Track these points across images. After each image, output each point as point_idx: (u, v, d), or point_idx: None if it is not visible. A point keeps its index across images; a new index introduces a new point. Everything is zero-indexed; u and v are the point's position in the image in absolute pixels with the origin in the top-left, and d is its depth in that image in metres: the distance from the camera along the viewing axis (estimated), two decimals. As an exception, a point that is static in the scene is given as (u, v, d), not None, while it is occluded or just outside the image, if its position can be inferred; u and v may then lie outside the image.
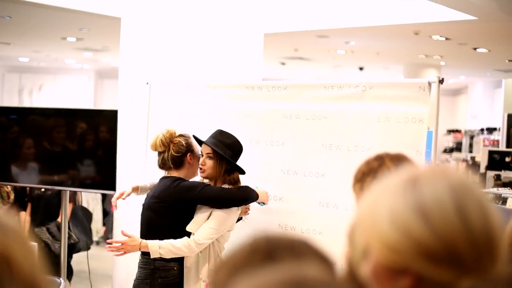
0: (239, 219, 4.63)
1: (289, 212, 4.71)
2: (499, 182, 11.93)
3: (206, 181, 4.49)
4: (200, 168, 4.42)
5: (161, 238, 4.30)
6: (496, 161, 12.70)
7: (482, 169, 12.74)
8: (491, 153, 12.98)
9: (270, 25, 7.98)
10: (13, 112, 6.39)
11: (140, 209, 4.59)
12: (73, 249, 6.56)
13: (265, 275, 1.08)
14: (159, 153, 4.54)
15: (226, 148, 4.38)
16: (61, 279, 5.06)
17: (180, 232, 4.32)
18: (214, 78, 5.91)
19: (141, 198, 4.68)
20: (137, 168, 5.64)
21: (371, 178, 2.55)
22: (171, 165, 4.48)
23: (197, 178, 4.61)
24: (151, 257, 4.24)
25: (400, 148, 4.12)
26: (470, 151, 18.35)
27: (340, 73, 18.68)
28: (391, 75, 18.13)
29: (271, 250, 1.23)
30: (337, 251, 4.43)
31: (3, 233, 0.93)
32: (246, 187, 4.44)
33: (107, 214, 10.59)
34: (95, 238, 10.32)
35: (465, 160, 17.35)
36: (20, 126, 6.16)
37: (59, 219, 6.73)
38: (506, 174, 12.31)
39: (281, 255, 1.22)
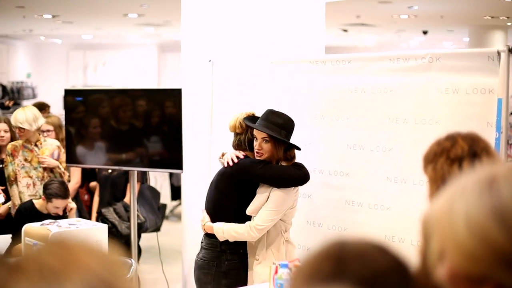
0: None
1: (355, 187, 4.66)
2: None
3: None
4: (257, 153, 4.34)
5: (224, 218, 4.33)
6: None
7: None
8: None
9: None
10: (78, 94, 6.47)
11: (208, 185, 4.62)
12: (140, 228, 6.63)
13: None
14: (236, 134, 4.51)
15: (280, 128, 4.31)
16: (132, 260, 5.13)
17: (242, 213, 4.32)
18: (277, 51, 5.86)
19: (212, 173, 4.70)
20: (203, 146, 5.65)
21: (444, 159, 2.49)
22: (247, 147, 4.47)
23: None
24: (217, 235, 4.28)
25: (470, 120, 4.05)
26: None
27: (403, 38, 18.40)
28: (456, 38, 17.78)
29: (341, 259, 1.20)
30: (405, 226, 4.40)
31: (101, 262, 0.95)
32: (302, 166, 4.40)
33: (175, 190, 10.70)
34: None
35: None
36: (86, 106, 6.24)
37: (125, 199, 6.80)
38: None
39: (352, 265, 1.19)
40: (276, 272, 3.47)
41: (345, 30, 16.13)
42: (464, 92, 4.15)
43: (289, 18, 6.18)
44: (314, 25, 6.34)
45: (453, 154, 2.48)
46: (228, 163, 4.34)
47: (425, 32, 16.38)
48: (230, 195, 4.38)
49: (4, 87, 17.91)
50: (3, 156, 6.39)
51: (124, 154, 6.02)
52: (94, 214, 6.92)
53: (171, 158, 5.78)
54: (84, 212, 6.85)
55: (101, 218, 6.62)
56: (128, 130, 6.00)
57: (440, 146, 2.53)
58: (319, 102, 4.85)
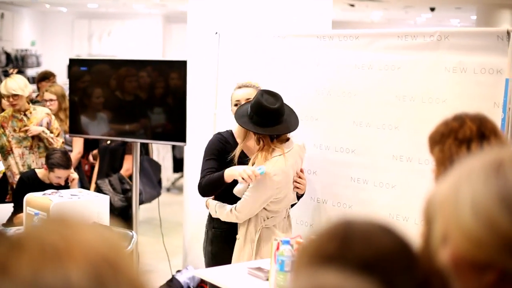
0: None
1: (361, 165, 4.64)
2: None
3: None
4: None
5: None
6: None
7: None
8: None
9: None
10: (83, 64, 6.43)
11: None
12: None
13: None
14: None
15: (249, 108, 4.22)
16: (133, 232, 5.13)
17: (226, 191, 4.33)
18: (283, 25, 5.82)
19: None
20: (207, 119, 5.62)
21: (452, 140, 2.45)
22: None
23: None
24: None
25: (476, 100, 4.01)
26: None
27: (410, 15, 18.28)
28: (463, 16, 17.66)
29: (346, 240, 1.19)
30: (410, 205, 4.39)
31: (103, 239, 0.93)
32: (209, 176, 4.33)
33: (177, 162, 10.68)
34: (166, 185, 10.46)
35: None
36: (90, 76, 6.20)
37: (121, 171, 6.77)
38: None
39: (356, 246, 1.17)
40: (278, 248, 3.46)
41: (352, 5, 16.01)
42: (472, 72, 4.10)
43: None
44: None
45: (461, 135, 2.45)
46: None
47: (432, 9, 16.26)
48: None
49: (8, 55, 17.84)
50: None
51: (127, 125, 6.00)
52: (93, 185, 6.91)
53: (175, 130, 5.75)
54: (85, 183, 6.84)
55: (97, 189, 6.60)
56: (132, 101, 5.97)
57: (448, 126, 2.50)
58: (326, 77, 4.81)
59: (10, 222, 5.45)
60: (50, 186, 5.42)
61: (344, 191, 4.72)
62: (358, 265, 1.15)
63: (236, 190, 4.22)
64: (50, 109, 6.80)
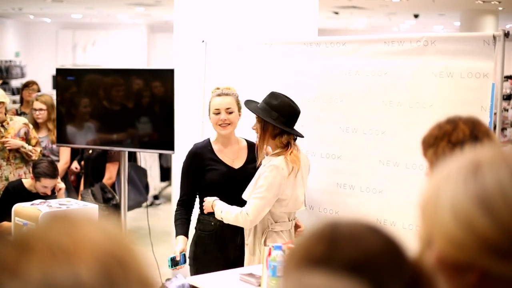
0: None
1: (348, 170, 4.65)
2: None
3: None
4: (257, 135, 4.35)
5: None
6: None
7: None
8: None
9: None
10: (70, 74, 6.41)
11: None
12: (118, 209, 6.58)
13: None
14: None
15: (272, 110, 4.23)
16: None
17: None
18: (269, 33, 5.83)
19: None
20: (195, 127, 5.63)
21: (445, 143, 2.47)
22: None
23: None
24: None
25: (464, 104, 4.04)
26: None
27: (394, 21, 18.36)
28: (447, 23, 17.77)
29: (334, 241, 1.19)
30: (397, 209, 4.40)
31: (111, 237, 0.94)
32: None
33: (164, 171, 10.67)
34: (152, 193, 10.43)
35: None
36: (77, 85, 6.19)
37: (104, 180, 6.73)
38: None
39: (343, 247, 1.18)
40: (270, 254, 3.46)
41: (336, 13, 16.08)
42: (458, 76, 4.13)
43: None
44: (307, 7, 6.31)
45: (455, 138, 2.47)
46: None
47: (416, 16, 16.36)
48: None
49: (-8, 66, 17.79)
50: None
51: (115, 134, 5.99)
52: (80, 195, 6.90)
53: (162, 139, 5.75)
54: (72, 193, 6.81)
55: (82, 199, 6.59)
56: (119, 110, 5.96)
57: (441, 129, 2.51)
58: (313, 84, 4.82)
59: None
60: (37, 195, 5.40)
61: (331, 196, 4.73)
62: (346, 267, 1.15)
63: (246, 195, 4.22)
64: (38, 118, 6.78)
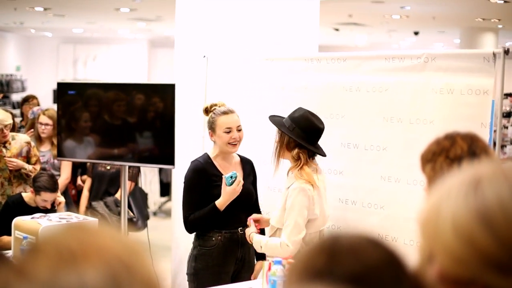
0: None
1: (349, 186, 4.66)
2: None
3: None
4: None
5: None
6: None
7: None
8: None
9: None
10: (71, 88, 6.43)
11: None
12: (133, 225, 6.61)
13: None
14: None
15: (292, 122, 4.15)
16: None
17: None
18: (270, 48, 5.85)
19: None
20: (195, 142, 5.64)
21: (443, 158, 2.48)
22: None
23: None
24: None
25: (464, 120, 4.05)
26: (529, 115, 17.93)
27: (394, 38, 18.42)
28: (447, 40, 17.82)
29: (334, 254, 1.19)
30: (399, 225, 4.39)
31: (119, 242, 0.96)
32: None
33: (164, 186, 10.67)
34: (152, 209, 10.43)
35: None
36: (78, 100, 6.19)
37: (117, 196, 6.75)
38: None
39: (344, 260, 1.18)
40: (270, 268, 3.46)
41: (337, 29, 16.13)
42: (459, 93, 4.15)
43: (283, 15, 6.17)
44: (308, 23, 6.34)
45: (453, 154, 2.47)
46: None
47: (416, 33, 16.42)
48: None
49: (-7, 80, 17.82)
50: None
51: (115, 149, 5.99)
52: (82, 208, 6.87)
53: (163, 153, 5.75)
54: (72, 207, 6.80)
55: (91, 210, 6.58)
56: (120, 125, 5.96)
57: (440, 145, 2.52)
58: (314, 100, 4.84)
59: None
60: (36, 209, 5.39)
61: (333, 212, 4.72)
62: (346, 279, 1.15)
63: (275, 221, 4.14)
64: (43, 132, 6.78)
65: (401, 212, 4.34)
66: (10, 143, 6.12)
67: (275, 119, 4.31)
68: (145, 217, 7.26)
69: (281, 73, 5.04)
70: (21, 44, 20.94)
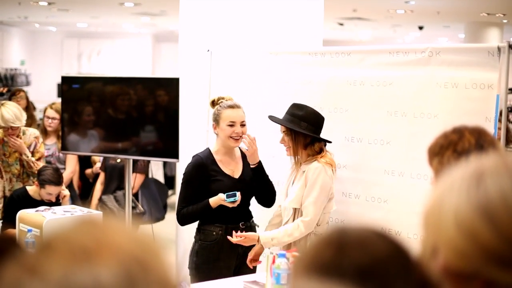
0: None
1: (353, 180, 4.66)
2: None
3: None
4: (286, 148, 4.37)
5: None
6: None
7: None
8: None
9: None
10: (75, 82, 6.43)
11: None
12: (141, 217, 6.60)
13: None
14: None
15: (300, 120, 4.27)
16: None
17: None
18: (275, 43, 5.85)
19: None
20: (199, 135, 5.64)
21: (451, 152, 2.48)
22: None
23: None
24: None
25: (468, 115, 4.05)
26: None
27: (399, 33, 18.40)
28: (452, 34, 17.79)
29: (342, 246, 1.19)
30: (402, 219, 4.39)
31: (135, 240, 0.94)
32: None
33: (168, 179, 10.66)
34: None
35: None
36: (83, 93, 6.20)
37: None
38: None
39: (351, 252, 1.18)
40: (274, 261, 3.47)
41: (341, 24, 16.10)
42: (463, 87, 4.15)
43: (287, 9, 6.17)
44: (312, 18, 6.33)
45: (460, 147, 2.47)
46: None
47: (420, 28, 16.38)
48: None
49: (-3, 74, 17.84)
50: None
51: (119, 143, 6.00)
52: (95, 201, 6.88)
53: (167, 147, 5.76)
54: (77, 200, 6.81)
55: (101, 204, 6.59)
56: (124, 118, 5.97)
57: (447, 139, 2.52)
58: (318, 94, 4.84)
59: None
60: (41, 203, 5.41)
61: (337, 205, 4.73)
62: (354, 272, 1.15)
63: (294, 203, 4.24)
64: (50, 126, 6.78)
65: (405, 206, 4.34)
66: (21, 138, 6.11)
67: (282, 121, 4.37)
68: (162, 209, 7.23)
69: (285, 67, 5.04)
70: (26, 39, 20.95)
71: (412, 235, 4.20)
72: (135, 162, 6.49)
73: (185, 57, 6.35)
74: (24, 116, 6.03)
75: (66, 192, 5.65)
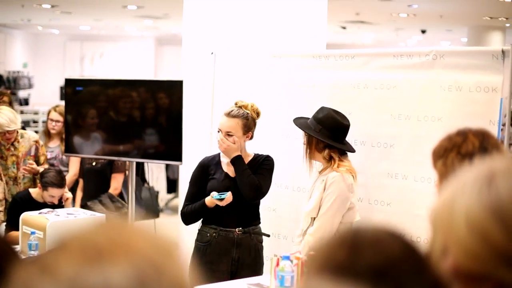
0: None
1: (357, 183, 4.65)
2: None
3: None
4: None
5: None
6: None
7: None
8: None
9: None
10: (79, 84, 6.42)
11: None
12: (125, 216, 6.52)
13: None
14: None
15: (317, 123, 4.20)
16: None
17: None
18: (278, 45, 5.85)
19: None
20: (203, 138, 5.64)
21: (455, 154, 2.48)
22: None
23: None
24: None
25: (472, 118, 4.04)
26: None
27: (401, 37, 18.40)
28: (454, 38, 17.79)
29: (355, 246, 1.19)
30: (405, 222, 4.39)
31: (152, 243, 0.93)
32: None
33: (170, 182, 10.66)
34: (159, 206, 10.41)
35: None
36: (86, 96, 6.19)
37: (110, 191, 6.64)
38: None
39: (365, 252, 1.18)
40: (278, 264, 3.46)
41: (344, 27, 16.12)
42: (467, 90, 4.14)
43: (291, 13, 6.18)
44: (315, 21, 6.34)
45: (464, 150, 2.48)
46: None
47: (423, 31, 16.39)
48: None
49: (0, 76, 17.86)
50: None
51: (121, 145, 5.98)
52: (77, 206, 6.81)
53: (170, 150, 5.75)
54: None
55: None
56: (127, 121, 5.96)
57: (451, 141, 2.52)
58: (321, 97, 4.83)
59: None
60: (44, 205, 5.40)
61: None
62: (368, 272, 1.15)
63: (310, 211, 4.15)
64: (54, 129, 6.77)
65: (409, 209, 4.34)
66: (18, 141, 6.09)
67: (300, 122, 4.34)
68: (141, 203, 7.14)
69: (289, 70, 5.04)
70: (28, 41, 20.98)
71: (415, 238, 4.18)
72: (112, 162, 6.44)
73: (189, 59, 6.35)
74: (19, 118, 6.01)
75: (69, 195, 5.65)
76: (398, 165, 4.45)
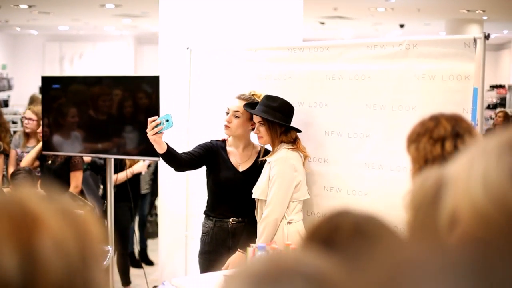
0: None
1: (333, 174, 4.68)
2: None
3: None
4: (258, 136, 4.52)
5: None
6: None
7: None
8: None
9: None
10: (56, 82, 6.40)
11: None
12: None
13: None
14: None
15: (275, 111, 4.43)
16: (109, 247, 5.11)
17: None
18: (254, 41, 5.86)
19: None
20: (180, 133, 5.64)
21: (427, 139, 2.51)
22: None
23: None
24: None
25: (446, 106, 4.07)
26: (515, 107, 17.99)
27: (380, 31, 18.46)
28: (433, 32, 17.88)
29: (335, 229, 1.22)
30: (383, 211, 4.40)
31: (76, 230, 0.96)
32: None
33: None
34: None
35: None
36: (64, 94, 6.17)
37: (70, 189, 6.55)
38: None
39: (343, 235, 1.20)
40: (254, 254, 3.48)
41: (322, 23, 16.15)
42: (440, 79, 4.17)
43: (267, 8, 6.19)
44: (292, 16, 6.35)
45: (436, 134, 2.50)
46: None
47: (401, 26, 16.46)
48: None
49: (-21, 78, 17.75)
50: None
51: (100, 143, 5.96)
52: None
53: (148, 146, 5.74)
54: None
55: None
56: (105, 119, 5.95)
57: (424, 126, 2.55)
58: (297, 89, 4.85)
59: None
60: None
61: (317, 200, 4.76)
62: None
63: (256, 189, 4.42)
64: (27, 127, 6.76)
65: (385, 198, 4.36)
66: None
67: (258, 111, 4.49)
68: (100, 200, 7.08)
69: (264, 63, 5.06)
70: (7, 43, 20.86)
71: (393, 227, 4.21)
72: (70, 159, 6.38)
73: (165, 56, 6.35)
74: None
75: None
76: (374, 155, 4.48)
